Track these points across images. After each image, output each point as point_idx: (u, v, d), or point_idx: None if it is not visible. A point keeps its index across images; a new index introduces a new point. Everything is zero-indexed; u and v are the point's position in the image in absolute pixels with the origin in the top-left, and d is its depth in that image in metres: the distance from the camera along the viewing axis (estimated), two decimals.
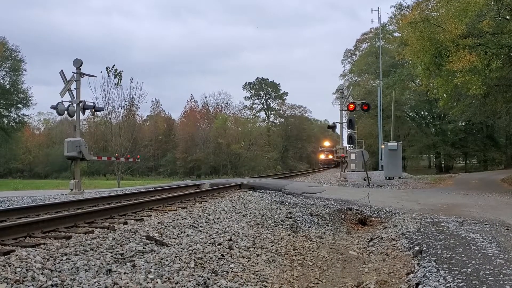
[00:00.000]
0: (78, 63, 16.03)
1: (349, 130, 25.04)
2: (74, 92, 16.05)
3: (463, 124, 49.26)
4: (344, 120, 25.15)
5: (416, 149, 55.28)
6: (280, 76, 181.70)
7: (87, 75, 16.60)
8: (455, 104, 27.16)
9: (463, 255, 5.83)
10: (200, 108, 75.68)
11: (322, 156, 59.64)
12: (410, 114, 59.39)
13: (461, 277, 4.79)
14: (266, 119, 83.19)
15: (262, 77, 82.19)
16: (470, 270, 5.09)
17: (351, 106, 23.47)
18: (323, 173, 35.85)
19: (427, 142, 53.27)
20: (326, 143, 61.44)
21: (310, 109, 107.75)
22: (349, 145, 26.44)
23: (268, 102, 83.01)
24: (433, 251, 6.13)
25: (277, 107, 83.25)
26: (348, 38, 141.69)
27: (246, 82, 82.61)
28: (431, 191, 17.91)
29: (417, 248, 6.54)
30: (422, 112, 58.70)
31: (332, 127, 26.68)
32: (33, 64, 75.70)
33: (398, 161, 26.53)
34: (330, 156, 54.76)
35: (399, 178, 25.55)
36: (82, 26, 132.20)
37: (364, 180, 21.91)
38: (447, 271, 5.06)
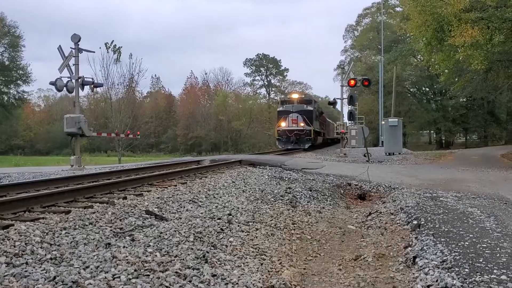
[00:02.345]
0: (76, 39, 15.89)
1: (349, 107, 24.93)
2: (73, 68, 15.96)
3: (464, 100, 49.14)
4: (345, 96, 25.01)
5: (416, 125, 55.29)
6: (279, 52, 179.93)
7: (85, 50, 16.48)
8: (456, 79, 27.04)
9: (461, 229, 5.85)
10: (200, 85, 75.37)
11: (283, 124, 29.94)
12: (411, 90, 59.17)
13: (458, 250, 4.82)
14: (267, 95, 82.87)
15: (262, 53, 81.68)
16: (467, 243, 5.12)
17: (352, 82, 23.32)
18: (323, 149, 34.79)
19: (428, 118, 53.24)
20: (295, 95, 32.69)
21: (311, 86, 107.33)
22: (349, 121, 26.36)
23: (269, 79, 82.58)
24: (431, 225, 6.16)
25: (278, 83, 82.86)
26: (347, 13, 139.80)
27: (247, 58, 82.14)
28: (431, 167, 17.95)
29: (415, 222, 6.57)
30: (423, 88, 58.50)
31: (333, 103, 26.61)
32: (29, 41, 75.44)
33: (398, 137, 26.53)
34: (302, 124, 29.37)
35: (399, 154, 25.59)
36: (77, 2, 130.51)
37: (364, 156, 21.93)
38: (444, 245, 5.09)
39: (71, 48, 15.87)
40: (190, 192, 8.55)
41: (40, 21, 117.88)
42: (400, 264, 5.10)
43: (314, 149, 30.93)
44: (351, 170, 14.46)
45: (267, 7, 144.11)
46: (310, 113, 30.20)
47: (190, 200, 7.77)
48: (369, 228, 7.26)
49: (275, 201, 8.95)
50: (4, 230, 4.73)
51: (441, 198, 8.70)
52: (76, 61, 15.95)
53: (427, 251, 4.99)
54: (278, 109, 32.78)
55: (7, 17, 57.86)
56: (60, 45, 15.87)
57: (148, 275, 3.99)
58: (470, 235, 5.49)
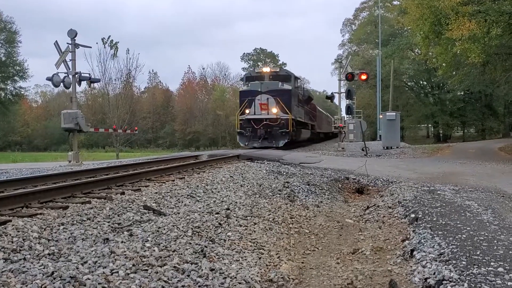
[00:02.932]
0: (72, 34, 15.82)
1: (347, 101, 24.90)
2: (70, 64, 15.92)
3: (462, 93, 49.16)
4: (343, 90, 24.96)
5: (414, 119, 55.32)
6: (277, 47, 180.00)
7: (82, 46, 16.40)
8: (454, 73, 26.99)
9: (458, 222, 5.87)
10: (198, 80, 75.26)
11: (247, 111, 21.42)
12: (409, 83, 59.16)
13: (456, 243, 4.83)
14: None
15: (260, 47, 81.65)
16: (464, 236, 5.13)
17: (350, 76, 23.28)
18: (321, 144, 34.77)
19: (426, 111, 53.25)
20: (266, 69, 23.55)
21: (309, 80, 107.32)
22: (347, 116, 26.34)
23: None
24: (429, 218, 6.17)
25: None
26: (345, 7, 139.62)
27: (244, 53, 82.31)
28: (428, 160, 17.97)
29: (413, 215, 6.58)
30: (421, 82, 58.48)
31: (331, 97, 26.52)
32: (25, 37, 75.33)
33: (396, 131, 26.55)
34: (275, 111, 20.99)
35: (397, 147, 25.61)
36: None
37: (362, 150, 21.94)
38: (442, 238, 5.10)
39: (67, 43, 15.83)
40: (188, 187, 8.55)
41: (36, 17, 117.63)
42: (397, 257, 5.11)
43: (300, 146, 24.66)
44: (349, 164, 14.47)
45: (265, 2, 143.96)
46: (287, 94, 21.33)
47: (188, 195, 7.76)
48: (367, 221, 7.27)
49: (273, 195, 8.95)
50: (2, 226, 4.73)
51: (438, 192, 8.72)
52: (73, 57, 15.90)
53: (425, 244, 5.00)
54: (240, 90, 23.60)
55: (3, 13, 57.70)
56: (56, 41, 15.86)
57: (147, 269, 4.00)
58: (468, 228, 5.51)
